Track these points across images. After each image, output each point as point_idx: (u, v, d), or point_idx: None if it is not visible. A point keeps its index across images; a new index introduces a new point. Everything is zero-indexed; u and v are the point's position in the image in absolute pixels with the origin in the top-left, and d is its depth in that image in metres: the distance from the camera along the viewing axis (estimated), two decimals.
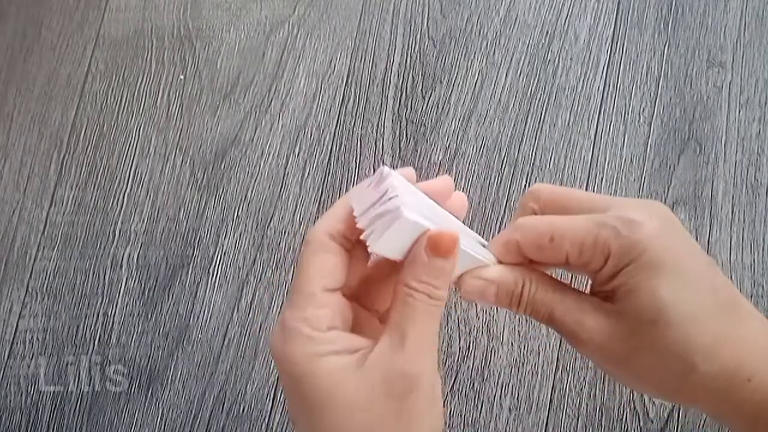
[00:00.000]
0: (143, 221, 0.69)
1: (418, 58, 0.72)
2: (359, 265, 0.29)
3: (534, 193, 0.31)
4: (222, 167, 0.70)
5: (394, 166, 0.69)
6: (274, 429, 0.64)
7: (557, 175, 0.68)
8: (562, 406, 0.63)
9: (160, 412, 0.65)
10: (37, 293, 0.68)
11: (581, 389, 0.63)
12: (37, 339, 0.67)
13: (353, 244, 0.28)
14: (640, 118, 0.69)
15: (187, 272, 0.68)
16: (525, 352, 0.64)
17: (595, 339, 0.27)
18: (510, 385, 0.63)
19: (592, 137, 0.69)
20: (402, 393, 0.26)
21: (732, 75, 0.70)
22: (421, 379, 0.26)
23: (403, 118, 0.70)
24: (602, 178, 0.68)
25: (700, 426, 0.61)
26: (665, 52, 0.71)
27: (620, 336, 0.27)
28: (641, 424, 0.62)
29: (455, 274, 0.29)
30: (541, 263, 0.30)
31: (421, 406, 0.26)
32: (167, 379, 0.66)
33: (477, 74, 0.71)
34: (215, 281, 0.68)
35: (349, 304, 0.28)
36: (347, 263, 0.28)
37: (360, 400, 0.26)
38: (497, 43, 0.72)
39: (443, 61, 0.71)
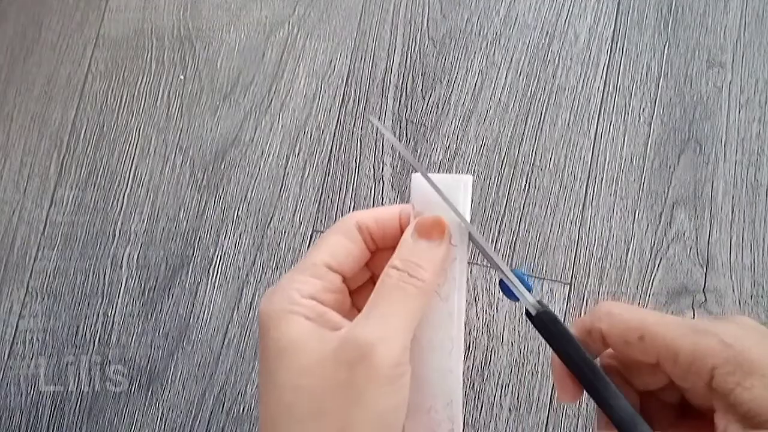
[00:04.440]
0: (143, 221, 0.69)
1: (418, 58, 0.72)
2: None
3: (600, 314, 0.28)
4: (222, 167, 0.70)
5: (394, 167, 0.69)
6: None
7: (557, 175, 0.68)
8: (562, 406, 0.63)
9: (160, 412, 0.65)
10: (37, 293, 0.68)
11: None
12: (37, 339, 0.67)
13: (377, 248, 0.30)
14: (640, 118, 0.69)
15: (187, 272, 0.68)
16: (525, 352, 0.64)
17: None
18: (510, 385, 0.63)
19: (592, 137, 0.69)
20: (352, 360, 0.25)
21: (732, 75, 0.70)
22: (374, 348, 0.25)
23: (403, 118, 0.70)
24: (602, 178, 0.68)
25: None
26: (665, 52, 0.71)
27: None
28: None
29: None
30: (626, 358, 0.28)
31: (372, 379, 0.25)
32: (167, 379, 0.66)
33: (477, 74, 0.71)
34: (215, 281, 0.68)
35: (348, 294, 0.29)
36: (361, 256, 0.29)
37: (311, 362, 0.25)
38: (497, 43, 0.72)
39: (443, 61, 0.71)
